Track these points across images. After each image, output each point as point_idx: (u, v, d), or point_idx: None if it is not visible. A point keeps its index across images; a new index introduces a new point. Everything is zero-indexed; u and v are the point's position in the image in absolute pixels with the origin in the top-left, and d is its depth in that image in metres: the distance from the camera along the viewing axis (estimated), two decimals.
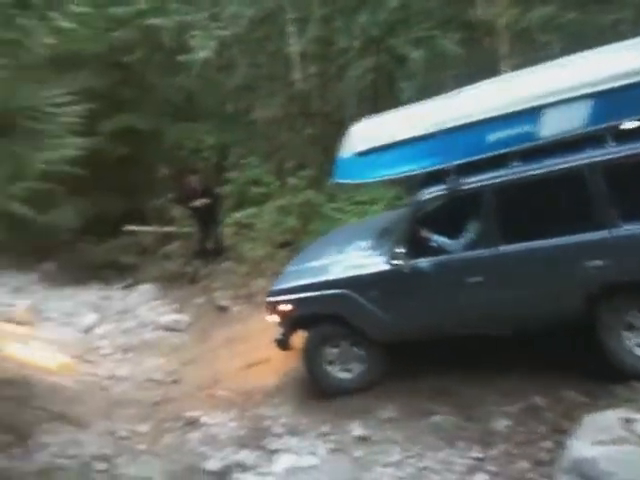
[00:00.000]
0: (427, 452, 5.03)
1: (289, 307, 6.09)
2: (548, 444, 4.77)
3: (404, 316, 5.69)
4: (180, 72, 12.38)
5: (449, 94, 5.80)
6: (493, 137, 5.14)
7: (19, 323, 9.52)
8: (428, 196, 5.52)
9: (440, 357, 5.79)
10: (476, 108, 5.27)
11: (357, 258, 6.08)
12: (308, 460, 5.29)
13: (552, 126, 5.00)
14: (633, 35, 5.38)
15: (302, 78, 10.65)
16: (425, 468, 4.88)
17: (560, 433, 4.77)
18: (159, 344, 8.79)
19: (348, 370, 6.06)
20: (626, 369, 5.02)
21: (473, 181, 5.30)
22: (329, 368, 6.07)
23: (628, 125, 4.96)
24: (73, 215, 11.74)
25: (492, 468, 4.72)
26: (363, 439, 5.38)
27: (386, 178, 6.61)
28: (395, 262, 5.52)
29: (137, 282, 11.43)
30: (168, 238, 12.36)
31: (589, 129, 4.95)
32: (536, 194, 5.09)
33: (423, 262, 5.49)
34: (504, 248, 5.22)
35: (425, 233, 5.57)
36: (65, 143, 5.65)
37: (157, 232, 12.46)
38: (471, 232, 5.41)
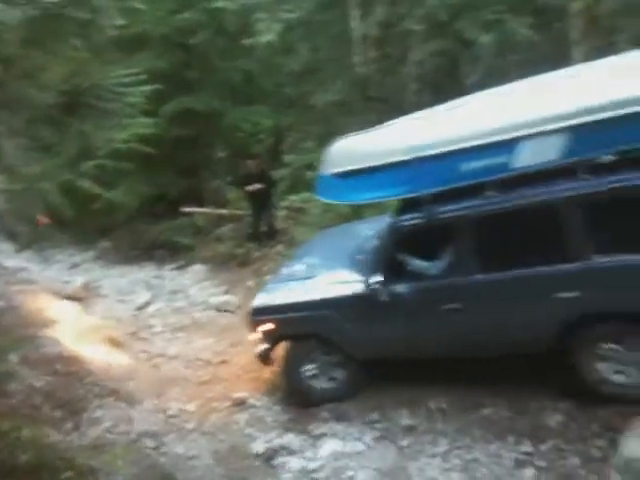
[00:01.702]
0: (476, 445, 4.97)
1: (272, 326, 6.06)
2: (600, 442, 4.68)
3: (382, 338, 5.67)
4: (242, 55, 12.42)
5: (433, 109, 5.73)
6: (467, 167, 5.02)
7: (74, 299, 9.70)
8: (405, 223, 5.45)
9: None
10: (451, 135, 5.13)
11: (337, 276, 6.05)
12: (354, 446, 5.28)
13: (526, 158, 4.85)
14: None
15: (363, 62, 10.52)
16: (473, 460, 4.82)
17: (614, 431, 4.66)
18: (209, 324, 8.84)
19: (328, 381, 6.03)
20: None
21: (448, 210, 5.20)
22: (308, 379, 6.04)
23: (603, 159, 4.83)
24: (132, 194, 11.97)
25: (541, 463, 4.67)
26: (411, 428, 5.34)
27: (362, 202, 6.57)
28: (372, 287, 5.44)
29: (189, 263, 11.56)
30: (222, 220, 12.47)
31: (563, 162, 4.79)
32: (510, 225, 4.97)
33: (400, 287, 5.44)
34: (478, 277, 5.15)
35: (402, 257, 5.50)
36: (133, 123, 5.73)
37: (212, 214, 12.58)
38: (445, 260, 5.35)
